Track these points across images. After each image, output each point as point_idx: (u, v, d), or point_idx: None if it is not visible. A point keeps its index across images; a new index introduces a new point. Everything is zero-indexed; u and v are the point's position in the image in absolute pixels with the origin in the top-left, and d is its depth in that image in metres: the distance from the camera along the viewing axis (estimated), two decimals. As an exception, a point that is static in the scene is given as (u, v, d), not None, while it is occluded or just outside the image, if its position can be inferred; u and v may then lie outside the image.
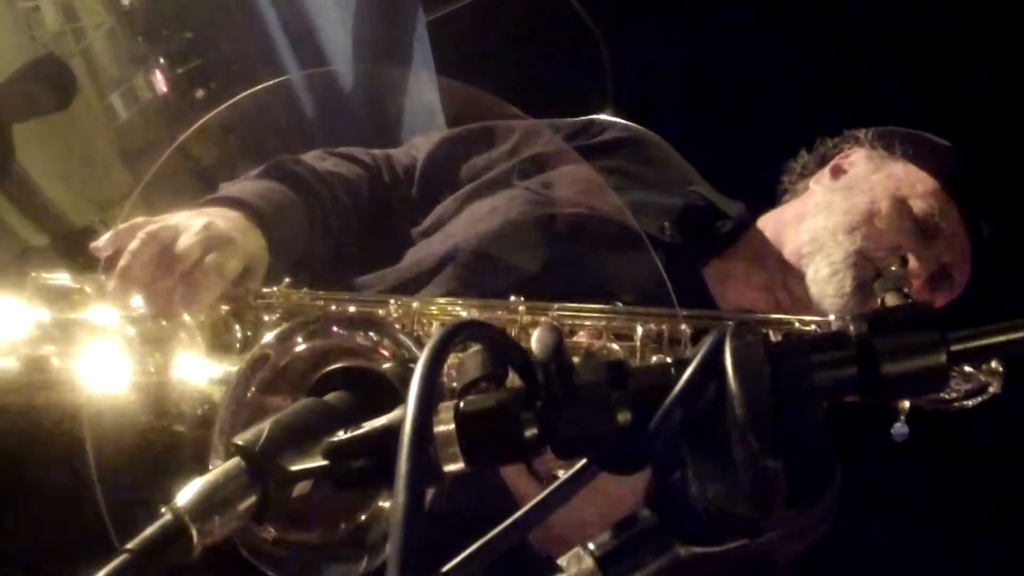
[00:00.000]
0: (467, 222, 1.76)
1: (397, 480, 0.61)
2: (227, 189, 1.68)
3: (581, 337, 1.42)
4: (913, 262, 1.66)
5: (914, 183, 1.74)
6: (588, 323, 1.44)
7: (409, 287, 1.65)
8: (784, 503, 0.64)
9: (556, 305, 1.44)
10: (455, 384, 1.25)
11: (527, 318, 1.41)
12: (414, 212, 1.86)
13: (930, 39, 2.45)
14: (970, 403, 1.34)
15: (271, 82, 1.80)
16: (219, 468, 0.78)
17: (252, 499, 0.78)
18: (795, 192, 1.88)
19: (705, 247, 1.78)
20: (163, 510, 0.74)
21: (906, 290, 1.51)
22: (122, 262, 1.46)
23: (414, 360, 1.13)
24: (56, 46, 2.92)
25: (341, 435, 0.80)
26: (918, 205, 1.70)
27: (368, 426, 0.79)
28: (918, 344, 0.70)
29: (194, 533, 0.73)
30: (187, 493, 0.75)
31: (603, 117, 1.99)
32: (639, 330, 1.41)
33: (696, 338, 1.40)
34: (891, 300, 1.47)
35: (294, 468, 0.79)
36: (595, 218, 1.69)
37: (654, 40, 2.77)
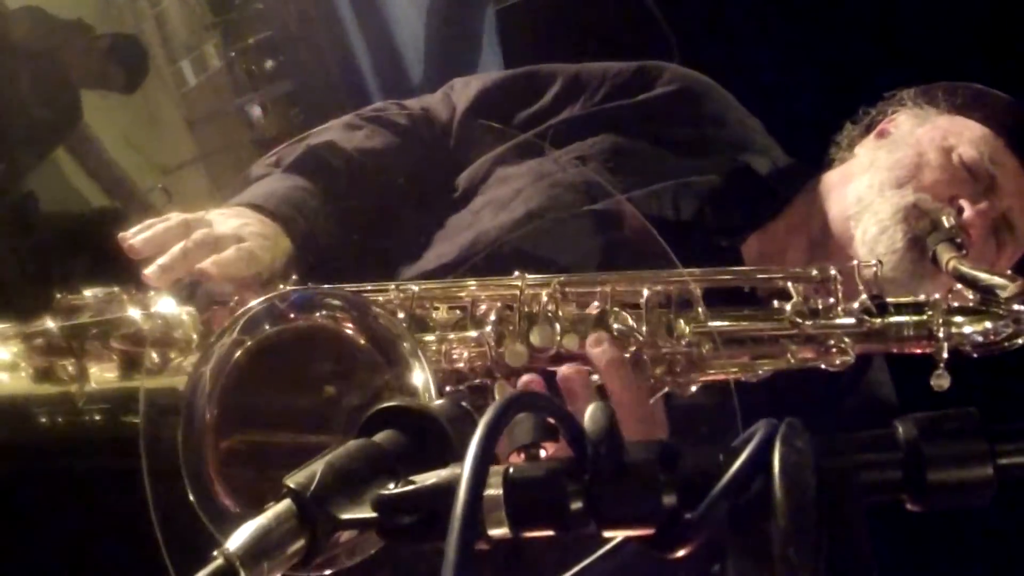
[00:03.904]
0: (491, 206, 1.74)
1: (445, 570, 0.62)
2: (256, 189, 1.68)
3: (589, 309, 1.38)
4: (968, 211, 1.60)
5: (961, 131, 1.68)
6: (592, 291, 1.40)
7: (432, 280, 1.65)
8: (822, 614, 0.65)
9: (559, 278, 1.40)
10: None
11: (528, 292, 1.38)
12: (453, 171, 1.84)
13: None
14: (1020, 341, 1.27)
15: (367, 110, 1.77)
16: (270, 511, 0.80)
17: (300, 543, 0.80)
18: (843, 161, 1.83)
19: (746, 223, 1.74)
20: (215, 554, 0.76)
21: (959, 240, 1.44)
22: (152, 232, 1.47)
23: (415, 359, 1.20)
24: (130, 8, 2.96)
25: (392, 488, 0.81)
26: (967, 152, 1.64)
27: (419, 481, 0.81)
28: (966, 454, 0.71)
29: (244, 577, 0.76)
30: (238, 537, 0.77)
31: (654, 63, 1.92)
32: (644, 294, 1.36)
33: (707, 298, 1.36)
34: (943, 252, 1.41)
35: (344, 517, 0.81)
36: (625, 212, 1.66)
37: (725, 37, 2.76)
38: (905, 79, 1.87)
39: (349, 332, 1.25)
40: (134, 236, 1.46)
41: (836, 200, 1.71)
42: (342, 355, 1.24)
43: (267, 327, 1.24)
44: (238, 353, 1.24)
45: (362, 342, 1.24)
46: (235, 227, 1.52)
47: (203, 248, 1.46)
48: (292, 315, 1.24)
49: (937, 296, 1.31)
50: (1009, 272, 1.29)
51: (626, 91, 1.86)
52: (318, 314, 1.25)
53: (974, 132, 1.67)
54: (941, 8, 2.50)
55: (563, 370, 1.29)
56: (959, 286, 1.33)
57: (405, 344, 1.22)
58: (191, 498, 1.20)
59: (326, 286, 1.38)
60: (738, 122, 1.92)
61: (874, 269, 1.35)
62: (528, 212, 1.68)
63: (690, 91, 1.89)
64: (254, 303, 1.26)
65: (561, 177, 1.72)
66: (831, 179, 1.78)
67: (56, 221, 2.70)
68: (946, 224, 1.48)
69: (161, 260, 1.44)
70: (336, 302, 1.26)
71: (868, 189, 1.66)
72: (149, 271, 1.43)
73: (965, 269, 1.34)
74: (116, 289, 1.49)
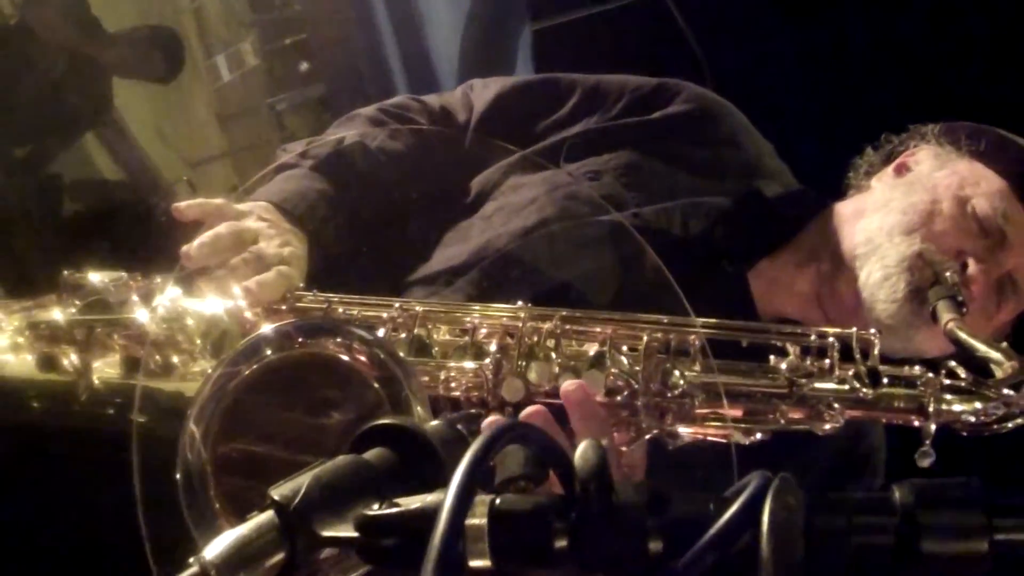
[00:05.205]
0: (503, 212, 1.74)
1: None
2: (285, 189, 1.68)
3: (588, 347, 1.39)
4: (973, 267, 1.59)
5: (978, 181, 1.65)
6: (593, 330, 1.41)
7: (439, 281, 1.66)
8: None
9: (561, 312, 1.41)
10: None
11: (529, 325, 1.39)
12: (468, 171, 1.84)
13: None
14: (1009, 425, 1.28)
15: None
16: (252, 521, 0.79)
17: (280, 556, 0.79)
18: (859, 189, 1.81)
19: (754, 250, 1.73)
20: (191, 561, 0.75)
21: (960, 298, 1.44)
22: (205, 237, 1.50)
23: (403, 374, 1.19)
24: (170, 2, 2.98)
25: (376, 508, 0.80)
26: (982, 205, 1.62)
27: (403, 504, 0.79)
28: (962, 526, 0.69)
29: (218, 587, 0.75)
30: (217, 546, 0.76)
31: (674, 81, 1.91)
32: (644, 339, 1.37)
33: (707, 349, 1.36)
34: (943, 311, 1.41)
35: (325, 534, 0.80)
36: (635, 227, 1.64)
37: (756, 60, 2.75)
38: (931, 110, 1.86)
39: (352, 360, 1.24)
40: (194, 245, 1.49)
41: (846, 235, 1.70)
42: (343, 377, 1.23)
43: (278, 350, 1.24)
44: (247, 371, 1.24)
45: (364, 370, 1.23)
46: (278, 246, 1.53)
47: (250, 267, 1.49)
48: (300, 340, 1.23)
49: (931, 374, 1.31)
50: (1006, 346, 1.29)
51: (644, 107, 1.86)
52: (326, 342, 1.25)
53: (991, 185, 1.65)
54: (968, 42, 2.50)
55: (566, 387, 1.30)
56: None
57: (405, 376, 1.21)
58: (182, 503, 1.19)
59: (340, 318, 1.41)
60: (752, 146, 1.91)
61: (874, 338, 1.35)
62: (541, 220, 1.68)
63: (707, 112, 1.88)
64: (267, 328, 1.26)
65: (576, 189, 1.72)
66: (844, 211, 1.76)
67: (79, 201, 2.71)
68: (949, 279, 1.48)
69: (217, 274, 1.48)
70: (345, 332, 1.26)
71: (878, 230, 1.65)
72: (204, 283, 1.48)
73: (963, 336, 1.34)
74: (124, 275, 1.51)
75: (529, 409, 1.28)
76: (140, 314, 1.44)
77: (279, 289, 1.47)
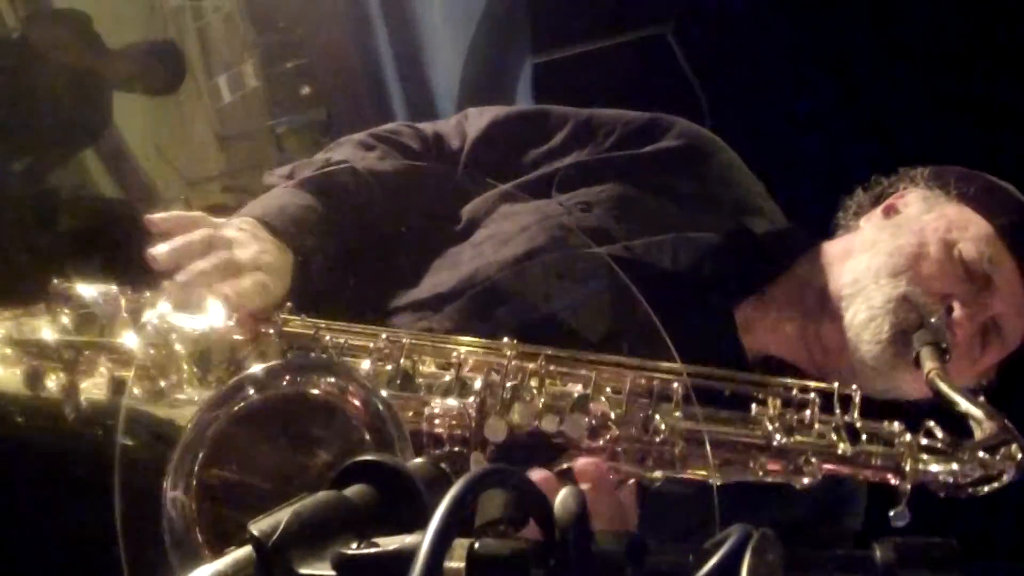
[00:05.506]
0: (493, 240, 1.73)
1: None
2: (270, 201, 1.66)
3: (572, 387, 1.39)
4: (958, 311, 1.59)
5: (966, 225, 1.66)
6: (577, 372, 1.41)
7: (427, 308, 1.65)
8: None
9: (547, 351, 1.41)
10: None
11: (515, 363, 1.39)
12: (459, 199, 1.83)
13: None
14: (985, 489, 1.28)
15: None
16: (229, 556, 0.79)
17: (255, 592, 0.79)
18: (848, 229, 1.82)
19: (742, 286, 1.73)
20: (167, 597, 0.75)
21: (944, 345, 1.44)
22: (175, 241, 1.48)
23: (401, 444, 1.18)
24: (174, 20, 2.99)
25: (354, 547, 0.80)
26: (968, 250, 1.62)
27: (382, 544, 0.79)
28: (940, 587, 0.69)
29: (193, 624, 0.74)
30: (193, 581, 0.76)
31: (666, 116, 1.91)
32: (627, 384, 1.37)
33: (689, 397, 1.36)
34: (926, 359, 1.41)
35: (303, 571, 0.79)
36: (621, 261, 1.64)
37: (756, 98, 2.76)
38: (931, 152, 1.87)
39: (339, 400, 1.23)
40: (162, 249, 1.47)
41: (833, 275, 1.70)
42: (328, 412, 1.22)
43: (263, 390, 1.22)
44: (235, 406, 1.22)
45: (349, 409, 1.22)
46: (254, 254, 1.51)
47: (221, 272, 1.46)
48: (288, 378, 1.22)
49: (909, 435, 1.32)
50: (984, 402, 1.29)
51: (636, 141, 1.86)
52: (317, 381, 1.24)
53: (978, 229, 1.65)
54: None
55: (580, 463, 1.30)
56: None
57: (392, 421, 1.20)
58: (165, 534, 1.18)
59: (328, 356, 1.40)
60: (743, 183, 1.91)
61: (854, 394, 1.37)
62: (530, 250, 1.68)
63: (698, 148, 1.88)
64: (257, 368, 1.24)
65: (567, 220, 1.72)
66: (832, 251, 1.76)
67: (75, 217, 2.71)
68: (934, 323, 1.48)
69: (180, 277, 1.44)
70: (334, 372, 1.25)
71: (865, 271, 1.65)
72: (168, 286, 1.44)
73: (943, 388, 1.34)
74: (114, 288, 1.49)
75: (537, 475, 1.27)
76: (128, 336, 1.42)
77: (256, 297, 1.45)
